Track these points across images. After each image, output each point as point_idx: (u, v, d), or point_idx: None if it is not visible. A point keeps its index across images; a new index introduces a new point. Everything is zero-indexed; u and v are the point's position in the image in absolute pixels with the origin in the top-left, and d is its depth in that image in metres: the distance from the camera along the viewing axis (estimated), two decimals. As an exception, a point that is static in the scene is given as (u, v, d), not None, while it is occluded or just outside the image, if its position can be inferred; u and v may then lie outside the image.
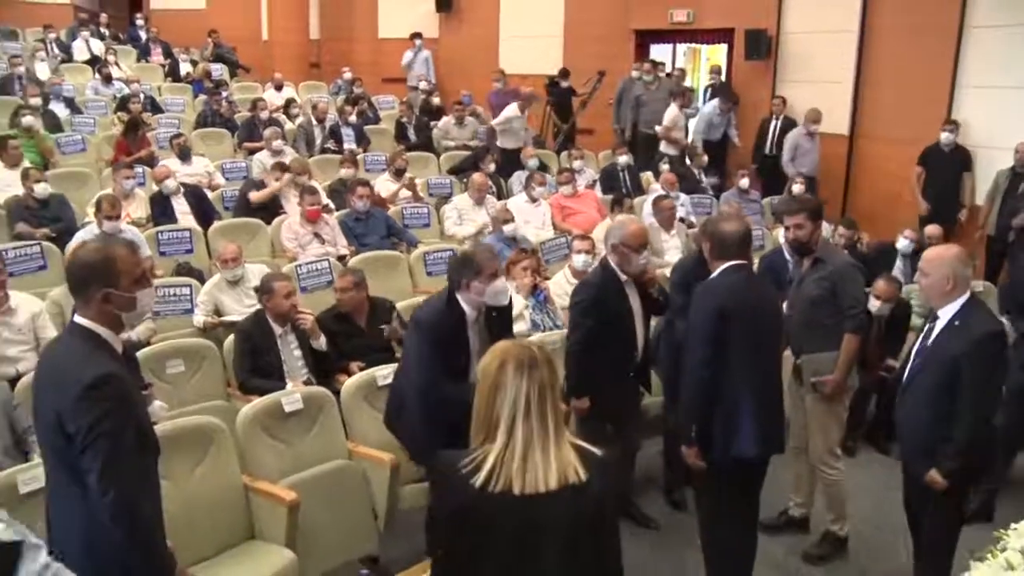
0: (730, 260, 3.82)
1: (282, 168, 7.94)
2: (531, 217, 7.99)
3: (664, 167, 9.37)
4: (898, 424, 3.85)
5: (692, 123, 10.88)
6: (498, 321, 4.05)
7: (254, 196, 7.73)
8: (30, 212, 6.95)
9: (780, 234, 7.37)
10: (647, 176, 9.86)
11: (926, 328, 3.77)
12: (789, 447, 4.36)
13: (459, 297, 3.92)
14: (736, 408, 3.71)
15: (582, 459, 2.15)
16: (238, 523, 3.85)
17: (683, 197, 8.63)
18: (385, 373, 4.56)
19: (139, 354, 4.63)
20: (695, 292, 3.89)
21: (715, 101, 10.65)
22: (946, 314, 3.60)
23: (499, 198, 8.63)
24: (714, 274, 3.87)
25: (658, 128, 10.46)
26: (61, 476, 2.52)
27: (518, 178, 9.06)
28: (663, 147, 10.36)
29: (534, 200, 8.09)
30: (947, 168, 8.67)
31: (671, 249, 7.47)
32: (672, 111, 10.42)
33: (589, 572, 2.18)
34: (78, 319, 2.60)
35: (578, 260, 6.13)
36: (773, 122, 10.37)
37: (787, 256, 5.47)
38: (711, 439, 3.75)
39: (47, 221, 6.95)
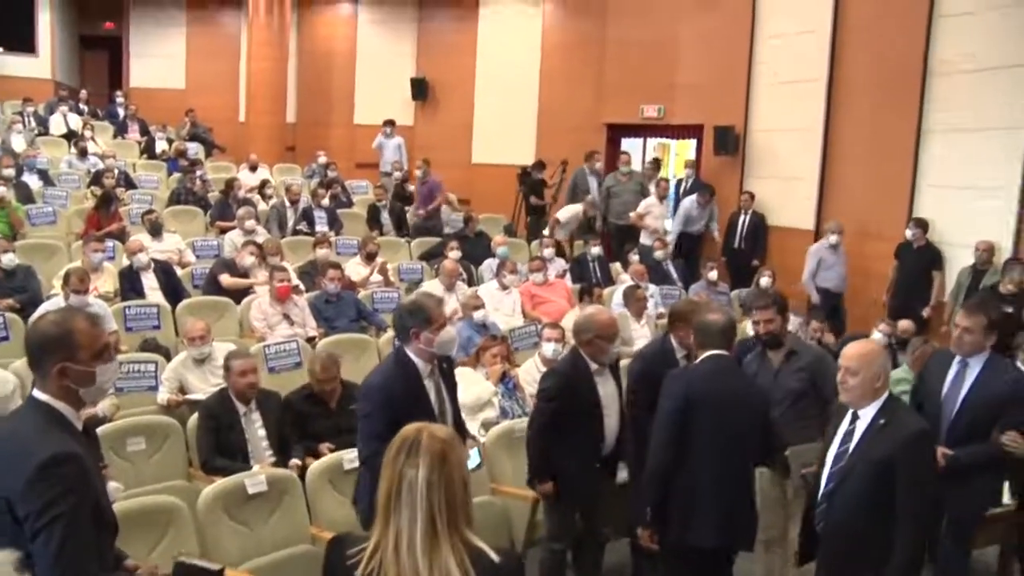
0: (713, 349, 3.92)
1: (256, 246, 7.96)
2: (501, 304, 8.04)
3: (634, 258, 9.52)
4: (824, 535, 3.51)
5: (669, 217, 11.10)
6: (448, 375, 4.02)
7: (225, 281, 7.71)
8: (-3, 283, 6.89)
9: (748, 326, 7.51)
10: (616, 267, 10.00)
11: (844, 430, 3.51)
12: (759, 540, 4.33)
13: (408, 352, 3.83)
14: (693, 495, 3.74)
15: (474, 565, 1.96)
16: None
17: (652, 288, 8.76)
18: (351, 456, 4.49)
19: (99, 430, 4.53)
20: (666, 377, 3.95)
21: (694, 196, 10.86)
22: (868, 414, 3.40)
23: (469, 284, 8.69)
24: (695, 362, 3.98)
25: (632, 215, 10.69)
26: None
27: (488, 266, 9.14)
28: (643, 237, 10.56)
29: (504, 287, 8.16)
30: (916, 265, 8.86)
31: (640, 339, 7.53)
32: (650, 200, 10.74)
33: None
34: (36, 394, 2.48)
35: (548, 348, 6.14)
36: (742, 216, 10.66)
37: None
38: (667, 524, 3.82)
39: (12, 291, 6.88)
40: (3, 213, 8.55)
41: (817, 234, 10.27)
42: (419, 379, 3.84)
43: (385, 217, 11.05)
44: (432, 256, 9.63)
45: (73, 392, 2.47)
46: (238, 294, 7.51)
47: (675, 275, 9.83)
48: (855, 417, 3.46)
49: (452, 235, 10.10)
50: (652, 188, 11.20)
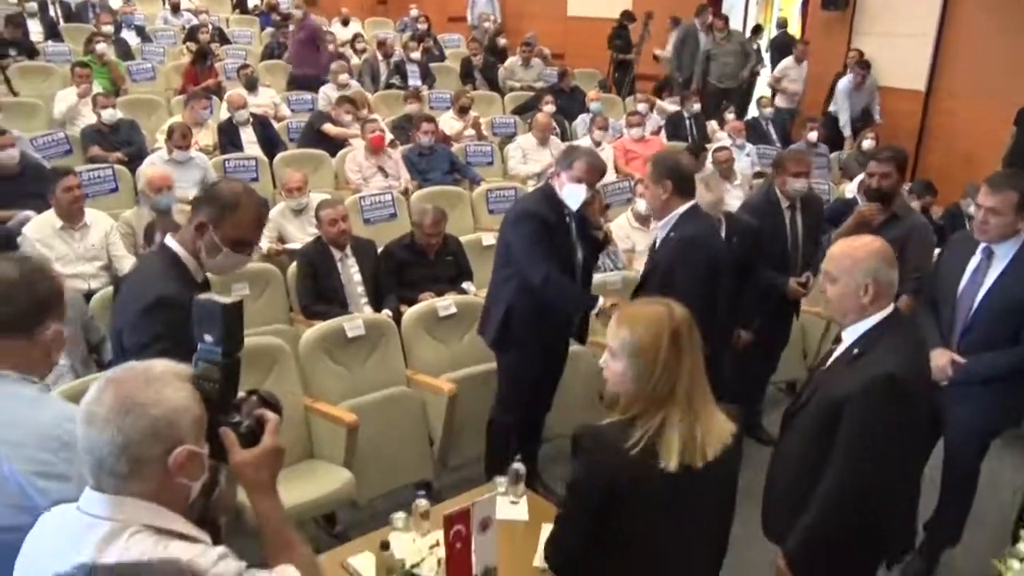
0: (690, 199, 3.70)
1: (350, 102, 7.96)
2: (595, 161, 7.89)
3: (730, 116, 9.17)
4: (767, 479, 2.80)
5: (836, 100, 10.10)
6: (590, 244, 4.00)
7: (331, 129, 7.77)
8: (102, 136, 7.08)
9: (848, 188, 7.23)
10: (712, 125, 9.66)
11: (824, 353, 2.84)
12: None
13: (555, 187, 3.87)
14: None
15: (730, 425, 2.13)
16: (299, 442, 3.93)
17: (749, 147, 8.46)
18: (446, 303, 4.59)
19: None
20: (684, 243, 3.63)
21: (849, 76, 9.85)
22: (850, 336, 2.61)
23: (562, 140, 8.55)
24: (677, 215, 3.69)
25: (769, 78, 10.17)
26: None
27: (582, 121, 8.96)
28: (778, 100, 10.08)
29: (597, 143, 8.00)
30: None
31: (733, 200, 7.32)
32: (787, 62, 10.18)
33: (721, 535, 2.22)
34: (168, 240, 2.60)
35: (641, 204, 6.06)
36: (844, 78, 9.95)
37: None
38: None
39: (119, 145, 7.07)
40: (104, 70, 8.68)
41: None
42: (564, 218, 3.88)
43: (478, 72, 10.84)
44: (526, 110, 9.50)
45: (199, 249, 2.56)
46: (333, 147, 7.56)
47: (774, 135, 9.46)
48: (837, 339, 2.76)
49: (546, 89, 9.88)
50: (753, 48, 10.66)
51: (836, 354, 2.67)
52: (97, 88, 7.83)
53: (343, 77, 8.87)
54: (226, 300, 1.66)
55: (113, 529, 1.42)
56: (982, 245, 3.52)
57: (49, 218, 5.05)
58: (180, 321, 2.32)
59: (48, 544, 1.49)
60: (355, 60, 10.53)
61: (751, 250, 4.52)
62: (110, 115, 7.12)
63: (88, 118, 7.43)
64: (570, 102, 9.60)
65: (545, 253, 3.76)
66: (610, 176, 7.74)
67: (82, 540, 1.42)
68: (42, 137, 6.99)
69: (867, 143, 8.36)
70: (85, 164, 6.65)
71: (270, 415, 1.68)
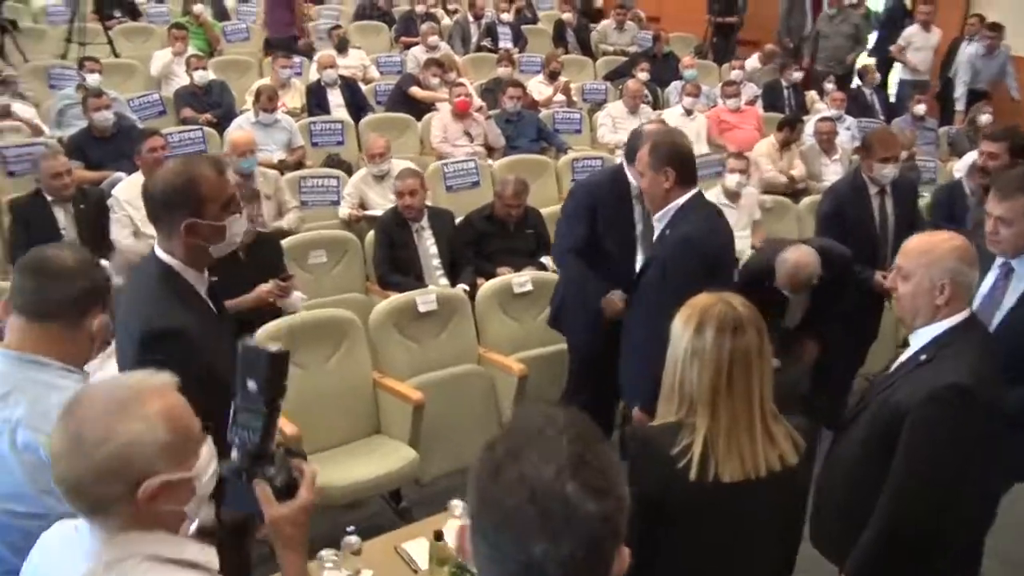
0: (693, 187, 3.26)
1: (437, 65, 7.87)
2: (685, 130, 7.59)
3: (830, 86, 8.71)
4: (816, 489, 2.48)
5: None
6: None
7: (418, 93, 7.70)
8: (194, 98, 7.20)
9: (956, 166, 6.80)
10: (811, 95, 9.20)
11: (890, 359, 2.61)
12: None
13: (627, 171, 3.72)
14: None
15: (793, 441, 1.93)
16: (365, 417, 3.93)
17: (849, 120, 8.03)
18: (522, 280, 4.50)
19: (284, 242, 4.72)
20: (679, 242, 3.22)
21: (976, 44, 9.11)
22: (919, 341, 2.37)
23: (654, 108, 8.30)
24: (675, 207, 3.23)
25: (892, 47, 9.53)
26: None
27: (675, 88, 8.67)
28: (902, 73, 9.50)
29: (688, 112, 7.73)
30: None
31: (832, 175, 7.00)
32: (912, 29, 9.39)
33: (777, 564, 2.04)
34: (158, 252, 2.30)
35: (731, 180, 5.83)
36: (965, 44, 9.20)
37: (967, 189, 4.94)
38: None
39: (208, 106, 7.16)
40: (200, 31, 8.79)
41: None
42: (627, 199, 3.73)
43: (571, 34, 10.62)
44: (619, 76, 9.25)
45: (202, 250, 2.29)
46: (420, 111, 7.50)
47: (878, 106, 8.97)
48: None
49: (639, 54, 9.61)
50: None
51: (901, 359, 2.42)
52: (191, 49, 7.92)
53: (432, 39, 8.79)
54: (273, 349, 1.59)
55: (108, 564, 1.35)
56: (999, 260, 2.97)
57: (137, 180, 5.11)
58: (182, 348, 2.13)
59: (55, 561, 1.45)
60: (446, 21, 10.42)
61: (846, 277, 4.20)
62: (202, 76, 7.21)
63: (182, 79, 7.55)
64: (663, 68, 9.30)
65: (577, 230, 3.67)
66: (701, 147, 7.50)
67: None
68: (138, 98, 7.14)
69: (984, 118, 7.78)
70: (177, 125, 6.76)
71: (307, 467, 1.62)
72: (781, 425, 1.93)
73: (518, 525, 1.02)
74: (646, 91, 8.18)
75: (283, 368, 1.59)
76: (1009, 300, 2.92)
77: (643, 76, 8.40)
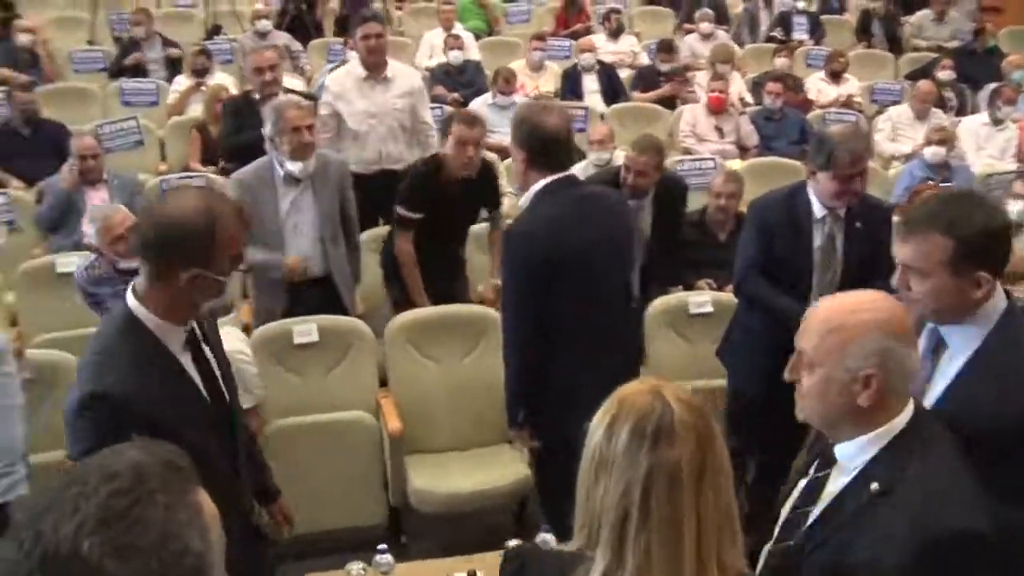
0: (555, 172, 2.73)
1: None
2: (987, 142, 6.45)
3: None
4: None
5: None
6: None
7: (636, 96, 7.31)
8: (447, 76, 7.26)
9: None
10: None
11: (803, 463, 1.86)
12: None
13: (808, 187, 3.22)
14: None
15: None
16: (493, 424, 3.59)
17: None
18: (702, 300, 3.97)
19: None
20: (507, 237, 2.83)
21: None
22: (849, 458, 1.62)
23: (959, 114, 7.14)
24: (529, 196, 2.77)
25: None
26: None
27: (987, 92, 7.37)
28: None
29: (998, 123, 6.50)
30: None
31: None
32: None
33: None
34: (130, 299, 1.90)
35: (1015, 207, 4.78)
36: None
37: None
38: None
39: (461, 86, 7.17)
40: (481, 11, 8.88)
41: None
42: (806, 222, 3.22)
43: (877, 26, 9.44)
44: (922, 76, 8.02)
45: (192, 306, 1.92)
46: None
47: None
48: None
49: (951, 50, 8.31)
50: None
51: (837, 486, 1.63)
52: (461, 30, 7.94)
53: (705, 26, 8.20)
54: None
55: None
56: (929, 325, 2.01)
57: (352, 68, 4.93)
58: (121, 417, 1.76)
59: None
60: (738, 9, 9.69)
61: None
62: (455, 56, 7.25)
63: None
64: (980, 66, 7.95)
65: (751, 254, 3.24)
66: (1005, 165, 6.28)
67: None
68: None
69: None
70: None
71: None
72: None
73: None
74: (951, 93, 7.04)
75: None
76: (938, 386, 1.94)
77: (946, 75, 7.23)
